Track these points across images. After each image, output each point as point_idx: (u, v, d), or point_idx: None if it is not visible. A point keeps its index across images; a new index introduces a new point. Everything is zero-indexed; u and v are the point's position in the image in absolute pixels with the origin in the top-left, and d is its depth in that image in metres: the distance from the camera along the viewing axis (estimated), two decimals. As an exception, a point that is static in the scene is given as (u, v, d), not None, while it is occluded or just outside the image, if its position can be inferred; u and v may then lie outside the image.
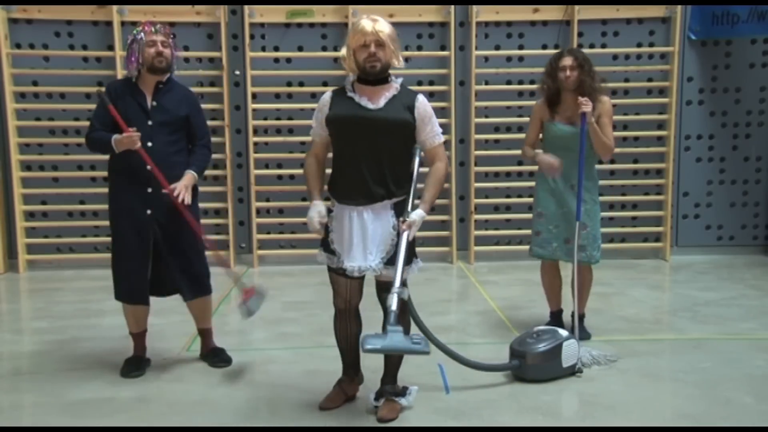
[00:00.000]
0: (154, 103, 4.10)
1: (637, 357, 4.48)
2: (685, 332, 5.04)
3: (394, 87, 3.51)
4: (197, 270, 4.25)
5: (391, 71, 3.53)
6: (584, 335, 4.76)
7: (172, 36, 4.20)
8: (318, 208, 3.49)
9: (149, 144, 4.03)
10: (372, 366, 3.86)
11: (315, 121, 3.61)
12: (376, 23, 3.42)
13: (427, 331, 3.78)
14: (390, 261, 3.48)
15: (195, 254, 4.24)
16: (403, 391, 3.69)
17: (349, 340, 3.72)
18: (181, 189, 4.04)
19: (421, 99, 3.54)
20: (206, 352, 4.48)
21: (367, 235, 3.48)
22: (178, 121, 4.14)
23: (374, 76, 3.43)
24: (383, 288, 3.48)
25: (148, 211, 4.08)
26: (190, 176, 4.14)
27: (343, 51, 3.50)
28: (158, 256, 4.13)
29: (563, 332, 4.18)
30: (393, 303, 3.27)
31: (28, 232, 7.10)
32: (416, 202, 3.63)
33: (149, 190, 4.06)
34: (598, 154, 4.79)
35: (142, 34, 4.08)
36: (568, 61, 4.60)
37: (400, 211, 3.55)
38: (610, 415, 3.64)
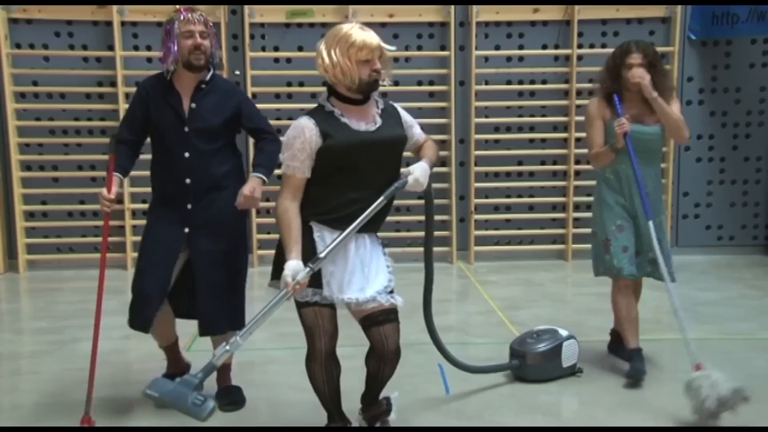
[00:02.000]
0: (193, 106, 3.55)
1: (637, 357, 4.47)
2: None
3: (375, 101, 3.20)
4: (236, 301, 3.70)
5: None
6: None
7: (211, 26, 3.71)
8: (298, 268, 2.96)
9: (186, 155, 3.51)
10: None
11: (290, 154, 3.04)
12: (374, 36, 3.06)
13: (438, 340, 3.79)
14: (388, 290, 3.18)
15: (236, 282, 3.71)
16: (388, 408, 3.40)
17: (334, 383, 3.32)
18: (246, 195, 3.49)
19: (400, 109, 3.34)
20: (219, 389, 3.85)
21: (367, 263, 3.16)
22: (221, 127, 3.59)
23: (369, 92, 3.11)
24: (383, 319, 3.13)
25: (186, 230, 3.58)
26: (257, 180, 3.55)
27: (325, 57, 3.06)
28: (188, 279, 3.64)
29: (563, 332, 4.17)
30: (219, 358, 2.94)
31: (28, 232, 7.10)
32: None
33: (189, 206, 3.55)
34: (672, 135, 4.15)
35: (177, 22, 3.62)
36: (636, 58, 3.98)
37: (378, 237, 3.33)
38: (610, 415, 3.64)
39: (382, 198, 3.07)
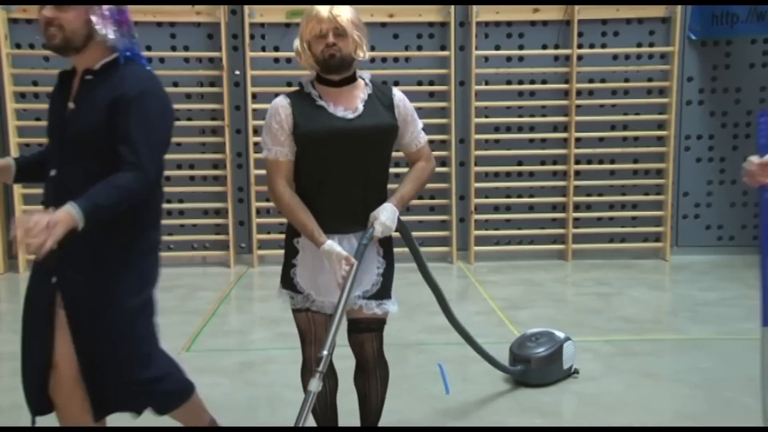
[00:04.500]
0: (71, 105, 2.61)
1: (637, 357, 4.48)
2: (685, 332, 5.04)
3: (364, 84, 2.84)
4: (131, 376, 2.73)
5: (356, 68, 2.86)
6: None
7: None
8: (335, 247, 2.70)
9: (52, 173, 2.57)
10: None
11: (271, 137, 2.76)
12: (334, 8, 2.72)
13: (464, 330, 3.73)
14: (377, 294, 2.87)
15: (119, 349, 2.69)
16: None
17: (325, 397, 3.07)
18: (29, 229, 2.19)
19: (398, 94, 2.88)
20: None
21: (363, 267, 2.80)
22: (95, 138, 2.49)
23: (336, 71, 2.74)
24: (363, 327, 2.91)
25: (53, 279, 2.70)
26: (64, 213, 2.25)
27: (296, 44, 2.79)
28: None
29: (560, 334, 4.13)
30: (313, 384, 2.62)
31: (28, 232, 7.08)
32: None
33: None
34: None
35: None
36: None
37: (387, 240, 2.91)
38: (610, 415, 3.64)
39: (354, 265, 2.68)
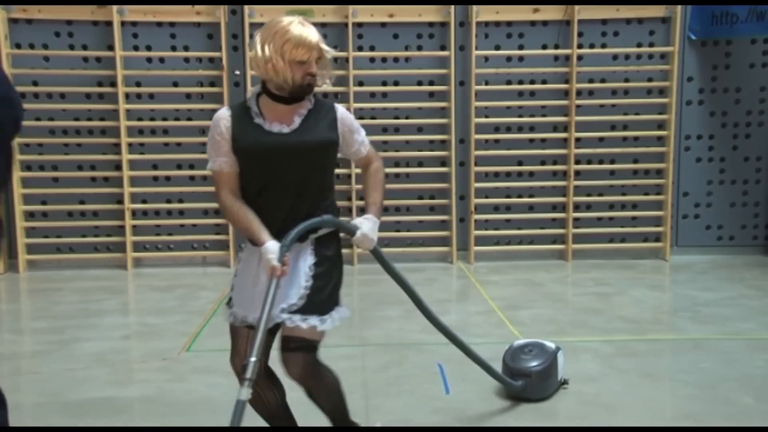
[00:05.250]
0: None
1: (637, 357, 4.48)
2: (685, 332, 5.04)
3: (307, 101, 2.80)
4: None
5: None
6: None
7: None
8: (271, 251, 2.64)
9: None
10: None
11: (214, 148, 2.77)
12: (313, 34, 2.72)
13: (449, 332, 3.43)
14: (304, 309, 2.75)
15: None
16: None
17: (272, 411, 2.99)
18: None
19: (341, 111, 2.88)
20: None
21: (289, 279, 2.75)
22: None
23: (303, 95, 2.76)
24: (288, 345, 2.78)
25: None
26: None
27: (258, 51, 2.71)
28: None
29: (550, 344, 3.94)
30: (243, 393, 2.50)
31: (28, 232, 7.09)
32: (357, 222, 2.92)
33: None
34: None
35: None
36: None
37: (321, 246, 2.83)
38: (610, 415, 3.64)
39: (278, 271, 2.61)
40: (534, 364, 3.80)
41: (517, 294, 6.08)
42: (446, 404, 3.79)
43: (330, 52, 2.77)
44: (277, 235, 2.69)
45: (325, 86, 2.81)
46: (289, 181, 2.75)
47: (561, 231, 7.31)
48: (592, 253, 7.27)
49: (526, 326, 5.13)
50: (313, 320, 2.75)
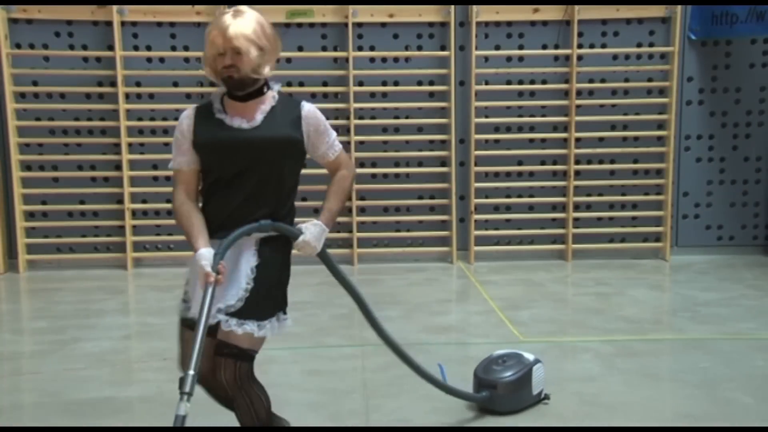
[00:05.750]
0: None
1: (637, 357, 4.48)
2: (685, 332, 5.04)
3: (270, 97, 2.78)
4: None
5: (270, 79, 2.83)
6: None
7: None
8: (204, 258, 2.59)
9: None
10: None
11: (176, 147, 2.78)
12: (233, 25, 2.65)
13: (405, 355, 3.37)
14: (241, 312, 2.66)
15: None
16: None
17: (262, 416, 2.85)
18: None
19: (307, 108, 2.81)
20: None
21: (230, 278, 2.70)
22: None
23: (236, 90, 2.72)
24: (219, 350, 2.70)
25: None
26: None
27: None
28: None
29: (529, 356, 3.78)
30: (181, 408, 2.43)
31: (28, 232, 7.09)
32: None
33: None
34: None
35: None
36: None
37: (267, 246, 2.76)
38: (610, 415, 3.64)
39: (213, 280, 2.55)
40: (502, 375, 3.64)
41: (517, 294, 6.08)
42: (446, 404, 3.79)
43: (255, 44, 2.66)
44: (238, 227, 2.66)
45: (263, 72, 2.70)
46: (248, 178, 2.70)
47: (561, 231, 7.31)
48: (592, 253, 7.27)
49: (526, 326, 5.13)
50: (250, 325, 2.67)
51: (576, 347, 4.72)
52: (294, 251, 2.86)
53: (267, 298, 2.73)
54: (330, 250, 8.26)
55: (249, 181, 2.71)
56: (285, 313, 2.84)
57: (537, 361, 3.75)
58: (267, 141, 2.70)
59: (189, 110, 2.82)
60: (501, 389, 3.60)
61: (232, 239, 2.62)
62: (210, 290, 2.55)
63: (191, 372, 2.43)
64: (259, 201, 2.72)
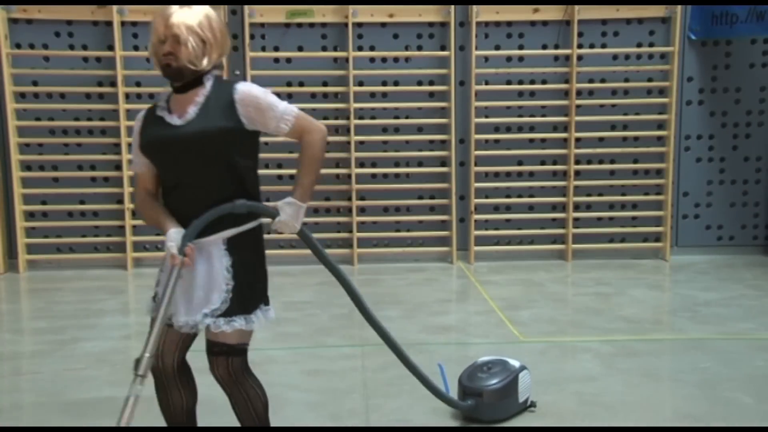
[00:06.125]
0: None
1: (637, 357, 4.48)
2: (685, 332, 5.04)
3: (205, 88, 2.67)
4: None
5: (214, 70, 2.74)
6: None
7: None
8: (171, 238, 2.60)
9: None
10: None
11: (133, 149, 2.76)
12: (177, 14, 2.60)
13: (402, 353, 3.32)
14: (227, 312, 2.66)
15: None
16: None
17: (174, 414, 2.91)
18: None
19: (240, 89, 2.66)
20: None
21: (194, 281, 2.65)
22: None
23: (173, 79, 2.64)
24: (211, 349, 2.72)
25: None
26: None
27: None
28: None
29: (514, 362, 3.68)
30: (133, 389, 2.52)
31: (28, 232, 7.09)
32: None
33: None
34: None
35: None
36: None
37: (238, 246, 2.70)
38: (610, 415, 3.64)
39: (178, 262, 2.55)
40: (487, 382, 3.54)
41: (517, 294, 6.08)
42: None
43: (197, 34, 2.60)
44: (204, 233, 2.62)
45: (201, 65, 2.63)
46: (194, 175, 2.63)
47: (561, 231, 7.31)
48: (592, 253, 7.27)
49: (526, 326, 5.13)
50: (239, 321, 2.66)
51: (576, 347, 4.72)
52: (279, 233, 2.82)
53: (250, 293, 2.71)
54: (330, 250, 8.31)
55: (197, 178, 2.63)
56: (267, 304, 2.81)
57: (523, 367, 3.67)
58: (198, 136, 2.59)
59: (143, 111, 2.78)
60: (487, 397, 3.51)
61: (204, 220, 2.58)
62: (174, 272, 2.53)
63: (147, 354, 2.47)
64: (213, 196, 2.62)
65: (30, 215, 7.09)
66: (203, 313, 2.63)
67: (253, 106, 2.65)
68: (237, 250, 2.68)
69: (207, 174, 2.62)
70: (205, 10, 2.66)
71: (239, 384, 2.75)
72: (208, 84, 2.67)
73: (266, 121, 2.68)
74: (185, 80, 2.64)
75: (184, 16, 2.59)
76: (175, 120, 2.64)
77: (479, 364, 3.68)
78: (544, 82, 7.20)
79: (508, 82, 7.20)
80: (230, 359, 2.70)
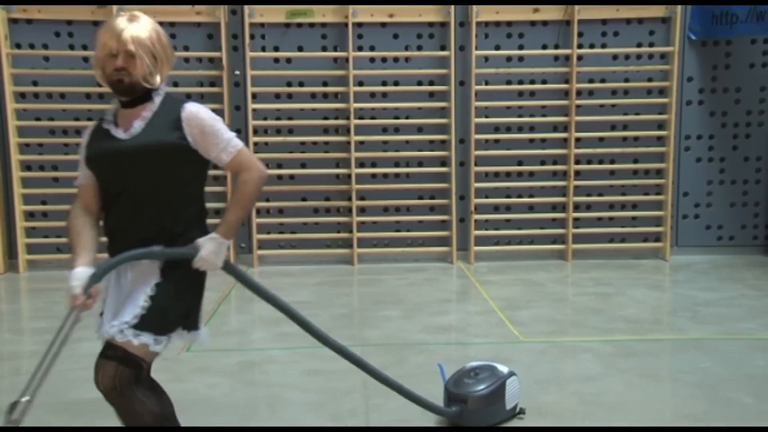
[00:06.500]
0: None
1: (637, 357, 4.48)
2: (685, 332, 5.04)
3: (154, 103, 2.63)
4: None
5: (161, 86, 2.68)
6: None
7: None
8: (76, 278, 2.48)
9: None
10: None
11: (79, 164, 2.70)
12: (129, 28, 2.55)
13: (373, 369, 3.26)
14: (138, 325, 2.54)
15: None
16: None
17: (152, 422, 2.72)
18: None
19: (189, 108, 2.61)
20: None
21: (124, 294, 2.63)
22: None
23: (123, 94, 2.59)
24: (107, 353, 2.63)
25: None
26: None
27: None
28: None
29: (503, 368, 3.58)
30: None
31: (28, 232, 7.09)
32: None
33: None
34: None
35: None
36: None
37: (172, 269, 2.62)
38: (610, 415, 3.64)
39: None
40: (474, 389, 3.43)
41: (517, 294, 6.08)
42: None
43: (150, 50, 2.57)
44: (131, 249, 2.54)
45: (155, 82, 2.60)
46: (134, 191, 2.58)
47: (561, 231, 7.31)
48: (592, 253, 7.27)
49: (526, 326, 5.13)
50: (146, 337, 2.55)
51: (576, 347, 4.72)
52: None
53: (166, 314, 2.59)
54: (330, 250, 8.28)
55: (136, 195, 2.58)
56: (193, 329, 2.72)
57: (511, 373, 3.56)
58: (141, 150, 2.55)
59: (91, 124, 2.72)
60: (472, 404, 3.40)
61: (113, 264, 2.51)
62: (73, 315, 2.44)
63: (26, 398, 2.35)
64: (150, 216, 2.58)
65: (30, 215, 7.09)
66: (111, 324, 2.57)
67: (198, 129, 2.60)
68: (170, 273, 2.61)
69: (149, 189, 2.58)
70: (153, 24, 2.63)
71: (124, 397, 2.59)
72: (157, 100, 2.64)
73: (208, 146, 2.62)
74: (135, 95, 2.60)
75: (137, 31, 2.55)
76: (120, 134, 2.60)
77: (467, 370, 3.59)
78: (544, 82, 7.20)
79: (508, 82, 7.20)
80: (120, 368, 2.55)
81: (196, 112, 2.61)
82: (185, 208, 2.66)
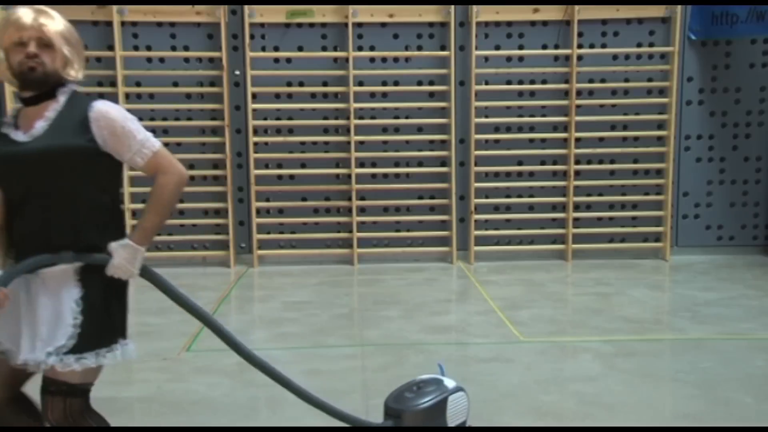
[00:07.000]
0: None
1: (637, 357, 4.48)
2: (685, 332, 5.04)
3: (58, 102, 2.43)
4: None
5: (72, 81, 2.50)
6: None
7: None
8: None
9: None
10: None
11: None
12: (39, 17, 2.39)
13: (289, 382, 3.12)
14: (76, 348, 2.36)
15: None
16: None
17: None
18: None
19: (97, 107, 2.41)
20: None
21: (36, 314, 2.40)
22: None
23: (35, 87, 2.40)
24: (50, 389, 2.41)
25: None
26: None
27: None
28: None
29: (450, 383, 3.29)
30: None
31: None
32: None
33: None
34: None
35: None
36: None
37: (89, 274, 2.44)
38: (610, 415, 3.64)
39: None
40: (410, 404, 3.16)
41: (517, 294, 6.08)
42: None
43: (67, 41, 2.43)
44: (36, 254, 2.36)
45: (72, 74, 2.46)
46: (38, 197, 2.39)
47: (561, 231, 7.31)
48: (592, 253, 7.27)
49: (526, 326, 5.13)
50: (90, 358, 2.39)
51: (576, 347, 4.72)
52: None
53: (102, 327, 2.44)
54: (330, 250, 8.25)
55: (40, 201, 2.39)
56: (125, 337, 2.53)
57: (458, 389, 3.26)
58: (43, 154, 2.35)
59: None
60: (407, 419, 3.11)
61: (20, 269, 2.35)
62: None
63: None
64: (58, 225, 2.39)
65: None
66: (47, 352, 2.35)
67: (108, 130, 2.40)
68: (90, 281, 2.43)
69: (55, 196, 2.39)
70: (64, 19, 2.47)
71: (79, 426, 2.45)
72: (62, 98, 2.45)
73: (120, 148, 2.43)
74: (42, 90, 2.42)
75: (52, 22, 2.41)
76: (20, 136, 2.40)
77: (414, 382, 3.30)
78: (544, 82, 7.20)
79: (508, 82, 7.20)
80: (68, 401, 2.41)
81: (105, 111, 2.41)
82: (98, 214, 2.46)
